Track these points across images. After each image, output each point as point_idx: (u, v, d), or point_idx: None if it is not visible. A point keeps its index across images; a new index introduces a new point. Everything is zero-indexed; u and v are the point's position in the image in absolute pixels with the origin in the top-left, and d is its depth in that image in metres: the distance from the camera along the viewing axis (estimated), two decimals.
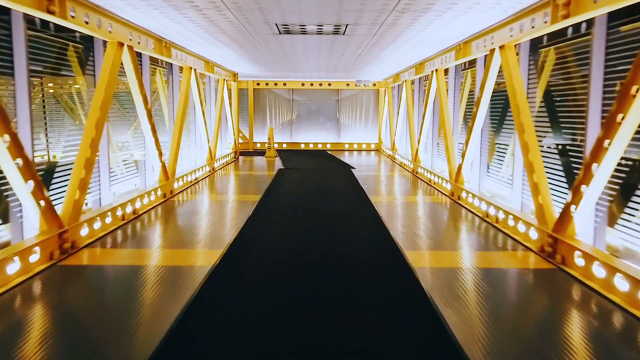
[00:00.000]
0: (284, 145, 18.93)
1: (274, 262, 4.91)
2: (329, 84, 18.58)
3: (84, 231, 5.45)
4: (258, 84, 18.52)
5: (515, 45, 6.32)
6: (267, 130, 17.98)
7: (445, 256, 5.11)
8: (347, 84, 18.54)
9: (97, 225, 5.76)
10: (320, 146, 18.92)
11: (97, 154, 6.52)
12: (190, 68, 9.74)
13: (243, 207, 7.84)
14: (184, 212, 7.51)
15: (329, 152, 18.02)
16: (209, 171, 11.41)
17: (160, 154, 8.24)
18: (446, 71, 10.30)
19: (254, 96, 18.68)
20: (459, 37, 7.70)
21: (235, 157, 14.96)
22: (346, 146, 18.91)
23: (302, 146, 18.94)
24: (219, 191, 9.41)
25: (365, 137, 19.01)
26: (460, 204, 7.88)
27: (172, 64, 9.98)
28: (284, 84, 18.55)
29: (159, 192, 8.09)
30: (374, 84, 18.53)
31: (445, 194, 8.91)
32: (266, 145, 16.18)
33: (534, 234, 5.40)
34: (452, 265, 4.78)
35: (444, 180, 9.18)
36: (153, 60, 9.02)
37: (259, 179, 10.95)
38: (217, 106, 12.57)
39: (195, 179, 10.23)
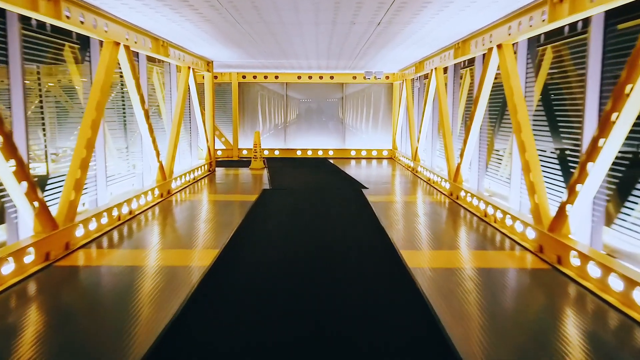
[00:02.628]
0: (276, 153, 15.49)
1: None
2: (331, 77, 15.13)
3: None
4: (244, 77, 15.09)
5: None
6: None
7: None
8: (354, 77, 15.10)
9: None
10: (320, 153, 15.47)
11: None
12: (117, 44, 6.33)
13: (167, 290, 4.38)
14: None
15: (331, 160, 14.57)
16: (158, 197, 7.98)
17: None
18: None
19: (239, 92, 15.24)
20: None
21: (210, 170, 11.52)
22: (352, 153, 15.46)
23: (299, 153, 15.49)
24: (137, 245, 5.96)
25: (376, 142, 15.57)
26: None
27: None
28: (276, 77, 15.11)
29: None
30: (387, 77, 15.08)
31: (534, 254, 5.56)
32: (252, 152, 12.74)
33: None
34: None
35: (525, 225, 5.76)
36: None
37: (227, 210, 7.52)
38: (178, 104, 9.14)
39: (130, 213, 6.79)
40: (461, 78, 9.46)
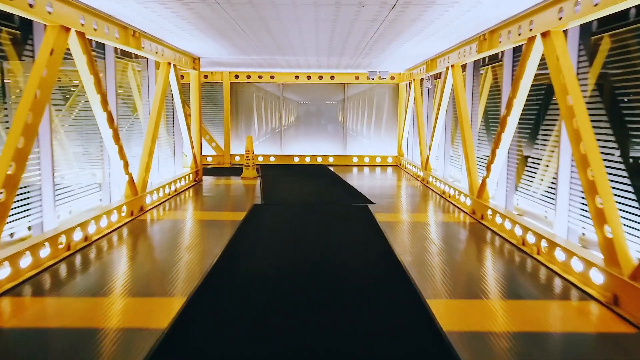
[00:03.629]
0: (272, 159, 14.22)
1: None
2: (332, 77, 13.89)
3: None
4: (237, 77, 13.83)
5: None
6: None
7: None
8: (356, 77, 13.86)
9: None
10: (319, 160, 14.21)
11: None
12: (67, 29, 5.07)
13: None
14: None
15: (331, 168, 13.30)
16: (127, 216, 6.71)
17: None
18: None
19: (232, 93, 13.99)
20: None
21: (195, 180, 10.25)
22: (354, 160, 14.20)
23: (296, 160, 14.23)
24: (82, 289, 4.67)
25: (380, 148, 14.32)
26: None
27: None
28: (272, 77, 13.86)
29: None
30: (392, 77, 13.85)
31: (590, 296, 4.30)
32: (244, 160, 11.47)
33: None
34: None
35: (589, 264, 4.45)
36: None
37: (207, 233, 6.25)
38: (155, 106, 7.86)
39: (86, 239, 5.51)
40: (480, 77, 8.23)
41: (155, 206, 7.66)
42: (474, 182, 7.26)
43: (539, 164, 6.14)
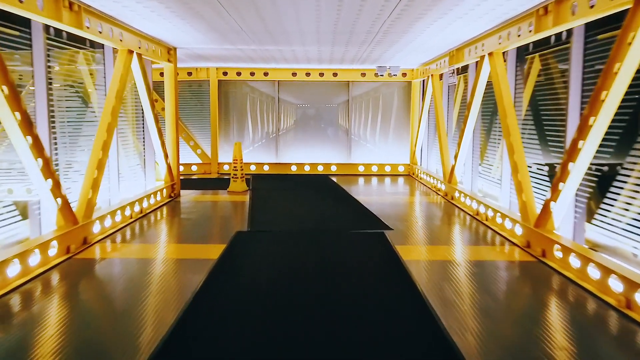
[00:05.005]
0: (266, 168, 12.42)
1: None
2: (335, 74, 12.12)
3: None
4: (225, 74, 12.06)
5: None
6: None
7: None
8: (363, 74, 12.09)
9: None
10: (320, 169, 12.41)
11: None
12: None
13: None
14: None
15: (334, 179, 11.51)
16: (59, 255, 4.91)
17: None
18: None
19: (220, 92, 12.22)
20: None
21: (171, 197, 8.45)
22: (360, 169, 12.40)
23: (294, 169, 12.44)
24: None
25: (389, 154, 12.54)
26: None
27: None
28: (265, 74, 12.08)
29: None
30: (404, 74, 12.08)
31: None
32: (231, 171, 9.69)
33: None
34: None
35: None
36: None
37: (166, 284, 4.45)
38: (109, 105, 6.06)
39: None
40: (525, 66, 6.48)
41: (109, 235, 5.86)
42: (529, 205, 5.48)
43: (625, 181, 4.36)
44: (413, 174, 11.88)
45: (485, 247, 5.58)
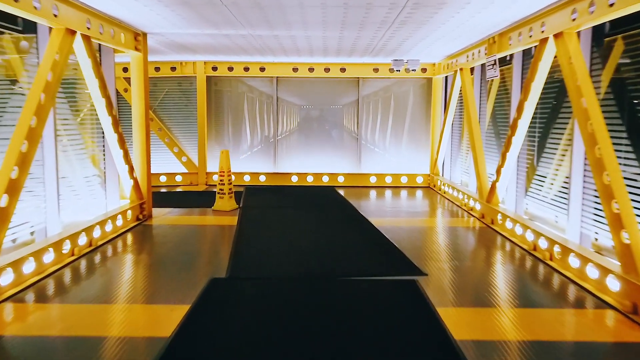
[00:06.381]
0: (262, 179, 10.70)
1: None
2: (342, 69, 10.40)
3: None
4: (215, 69, 10.36)
5: None
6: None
7: None
8: (375, 69, 10.36)
9: None
10: (325, 179, 10.68)
11: None
12: None
13: None
14: None
15: (341, 192, 9.77)
16: None
17: None
18: None
19: (209, 90, 10.52)
20: None
21: (139, 220, 6.75)
22: (372, 180, 10.66)
23: (294, 179, 10.71)
24: None
25: (405, 164, 10.79)
26: None
27: None
28: (261, 69, 10.38)
29: None
30: (424, 69, 10.34)
31: None
32: (217, 185, 7.96)
33: None
34: None
35: None
36: None
37: None
38: (31, 102, 4.36)
39: None
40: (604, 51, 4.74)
41: (27, 288, 4.15)
42: (634, 244, 3.74)
43: None
44: (434, 186, 10.13)
45: (574, 311, 3.83)
